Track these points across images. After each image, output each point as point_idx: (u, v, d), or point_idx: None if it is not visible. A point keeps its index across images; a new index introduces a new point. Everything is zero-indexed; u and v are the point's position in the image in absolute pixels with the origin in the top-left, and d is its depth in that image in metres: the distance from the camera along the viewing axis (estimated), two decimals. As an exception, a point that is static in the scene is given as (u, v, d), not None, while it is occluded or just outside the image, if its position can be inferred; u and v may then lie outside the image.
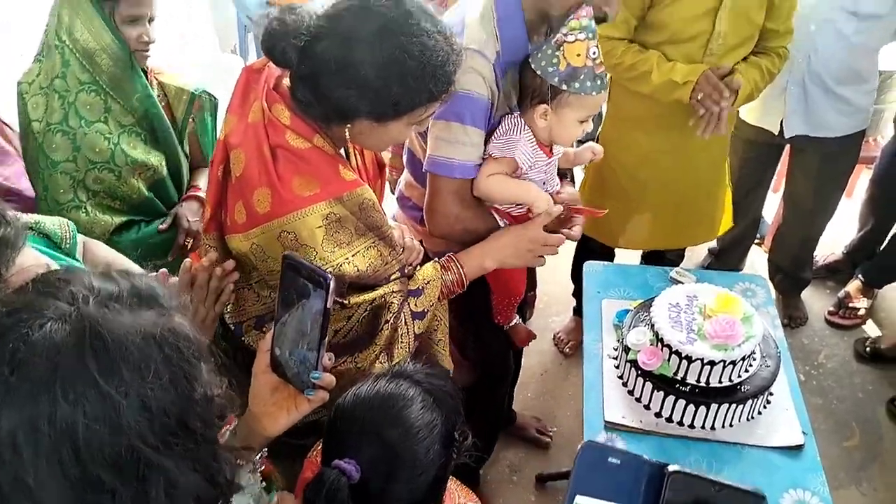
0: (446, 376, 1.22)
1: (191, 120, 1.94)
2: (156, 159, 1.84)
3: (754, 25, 2.03)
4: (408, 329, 1.42)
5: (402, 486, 1.05)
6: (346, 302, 1.32)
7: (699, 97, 1.97)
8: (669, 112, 2.09)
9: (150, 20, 1.77)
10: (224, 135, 1.32)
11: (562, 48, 1.42)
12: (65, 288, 0.74)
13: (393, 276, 1.39)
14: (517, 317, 1.88)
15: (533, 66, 1.47)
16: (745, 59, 2.08)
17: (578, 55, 1.41)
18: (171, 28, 2.91)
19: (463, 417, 1.17)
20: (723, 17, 1.97)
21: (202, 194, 1.92)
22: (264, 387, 1.08)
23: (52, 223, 1.39)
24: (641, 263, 2.80)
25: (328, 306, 0.99)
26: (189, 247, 1.92)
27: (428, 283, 1.46)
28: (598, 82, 1.45)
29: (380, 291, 1.35)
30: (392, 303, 1.37)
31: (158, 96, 1.85)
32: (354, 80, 1.18)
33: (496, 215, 1.63)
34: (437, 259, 1.51)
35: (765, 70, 2.08)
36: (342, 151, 1.42)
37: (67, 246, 1.41)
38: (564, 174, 1.75)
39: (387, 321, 1.36)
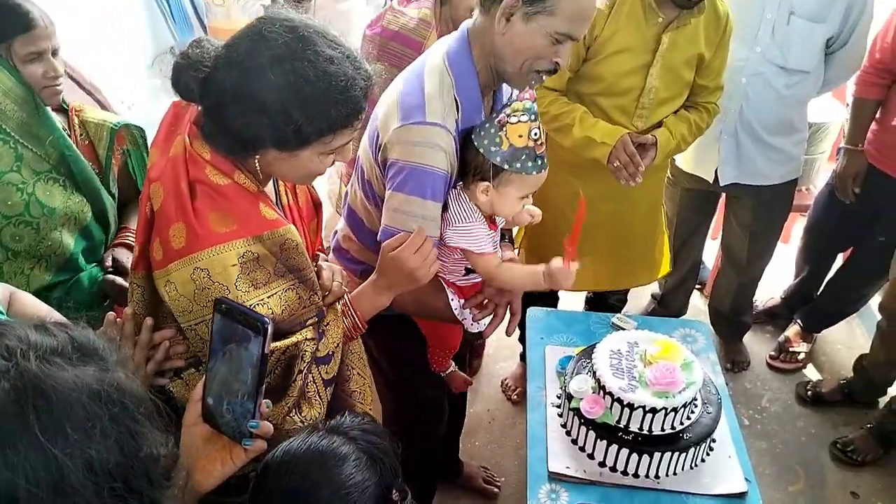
0: (384, 433, 1.17)
1: (119, 155, 1.83)
2: (78, 204, 1.72)
3: (684, 82, 2.11)
4: (313, 378, 1.36)
5: None
6: None
7: (615, 164, 2.02)
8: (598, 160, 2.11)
9: (54, 53, 1.65)
10: (148, 169, 1.29)
11: (504, 128, 1.44)
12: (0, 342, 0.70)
13: (309, 321, 1.34)
14: (453, 364, 1.86)
15: (476, 144, 1.47)
16: (675, 112, 2.15)
17: (520, 136, 1.43)
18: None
19: (402, 477, 1.12)
20: (654, 73, 2.03)
21: (132, 238, 1.80)
22: (196, 439, 1.02)
23: None
24: (585, 309, 2.82)
25: (265, 352, 0.95)
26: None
27: (328, 324, 1.39)
28: (539, 162, 1.47)
29: (294, 339, 1.30)
30: (305, 351, 1.31)
31: (82, 136, 1.76)
32: (252, 108, 1.17)
33: (445, 286, 1.62)
34: (338, 301, 1.44)
35: (693, 124, 2.15)
36: (272, 189, 1.38)
37: None
38: (503, 235, 1.76)
39: (300, 371, 1.31)
